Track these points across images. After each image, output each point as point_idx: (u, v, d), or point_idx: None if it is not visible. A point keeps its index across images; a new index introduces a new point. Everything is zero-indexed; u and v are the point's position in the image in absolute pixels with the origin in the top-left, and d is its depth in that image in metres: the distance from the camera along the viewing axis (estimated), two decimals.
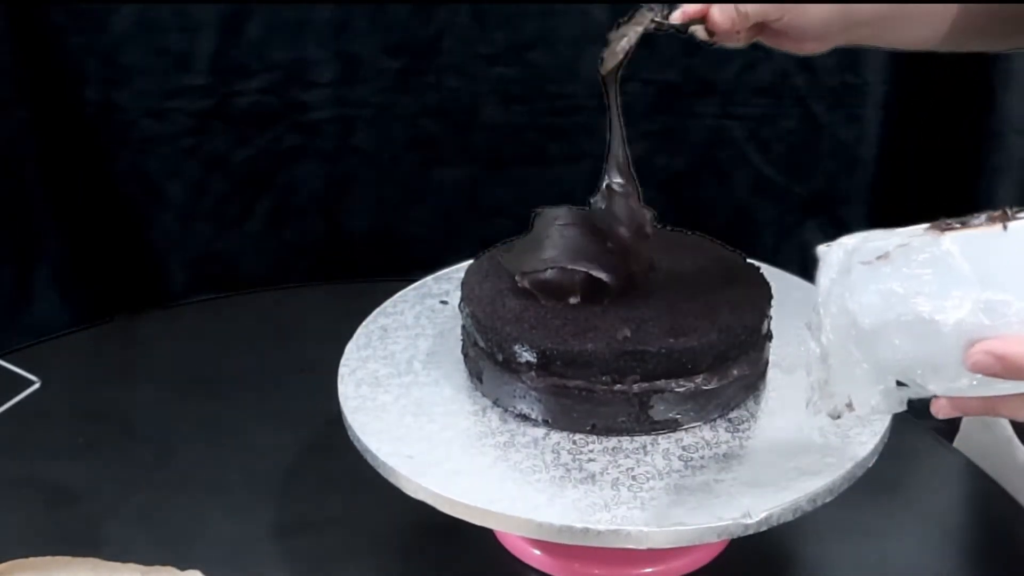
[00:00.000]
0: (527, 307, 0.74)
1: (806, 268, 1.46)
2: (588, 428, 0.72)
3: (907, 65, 1.29)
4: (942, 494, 0.86)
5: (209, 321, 1.13)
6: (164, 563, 0.77)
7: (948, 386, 0.56)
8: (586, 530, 0.65)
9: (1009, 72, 1.19)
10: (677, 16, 0.70)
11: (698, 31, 0.71)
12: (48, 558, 0.77)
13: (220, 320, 1.13)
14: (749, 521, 0.65)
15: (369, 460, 0.72)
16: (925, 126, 1.32)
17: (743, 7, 0.68)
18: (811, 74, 1.31)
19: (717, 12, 0.69)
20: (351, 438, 0.74)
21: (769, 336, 0.78)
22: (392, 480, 0.70)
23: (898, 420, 0.72)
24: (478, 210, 1.35)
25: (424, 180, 1.33)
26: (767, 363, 0.78)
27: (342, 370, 0.80)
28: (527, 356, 0.72)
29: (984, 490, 0.86)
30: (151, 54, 1.23)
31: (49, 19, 1.19)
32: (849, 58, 1.29)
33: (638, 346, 0.71)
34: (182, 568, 0.76)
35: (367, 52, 1.28)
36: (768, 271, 0.82)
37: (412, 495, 0.69)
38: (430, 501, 0.68)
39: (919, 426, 0.95)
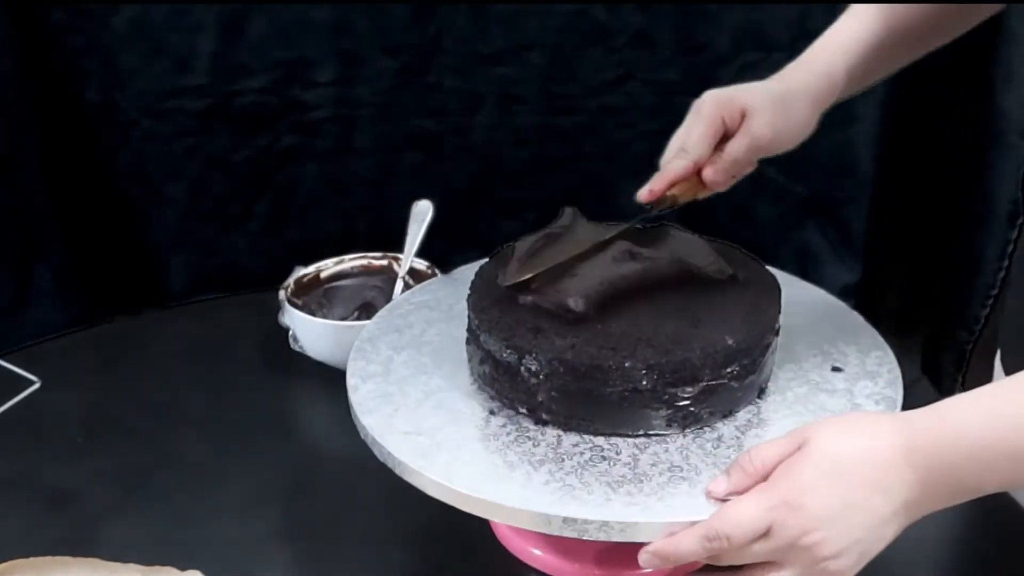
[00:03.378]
0: (535, 309, 0.75)
1: (806, 268, 1.47)
2: (592, 428, 0.72)
3: (907, 66, 1.29)
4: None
5: (209, 321, 1.13)
6: (164, 563, 0.77)
7: None
8: (587, 522, 0.65)
9: (1009, 72, 1.19)
10: (646, 194, 0.81)
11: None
12: (48, 558, 0.77)
13: (220, 320, 1.13)
14: None
15: (377, 453, 0.72)
16: (925, 126, 1.32)
17: (734, 157, 0.82)
18: None
19: (711, 172, 0.82)
20: (360, 433, 0.74)
21: (775, 337, 0.78)
22: (400, 473, 0.70)
23: None
24: (478, 210, 1.35)
25: (424, 180, 1.33)
26: (772, 365, 0.78)
27: (348, 368, 0.80)
28: (534, 356, 0.72)
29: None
30: (151, 54, 1.23)
31: (49, 19, 1.19)
32: None
33: (644, 350, 0.71)
34: (182, 568, 0.77)
35: (367, 52, 1.28)
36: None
37: (421, 488, 0.69)
38: (436, 494, 0.68)
39: None
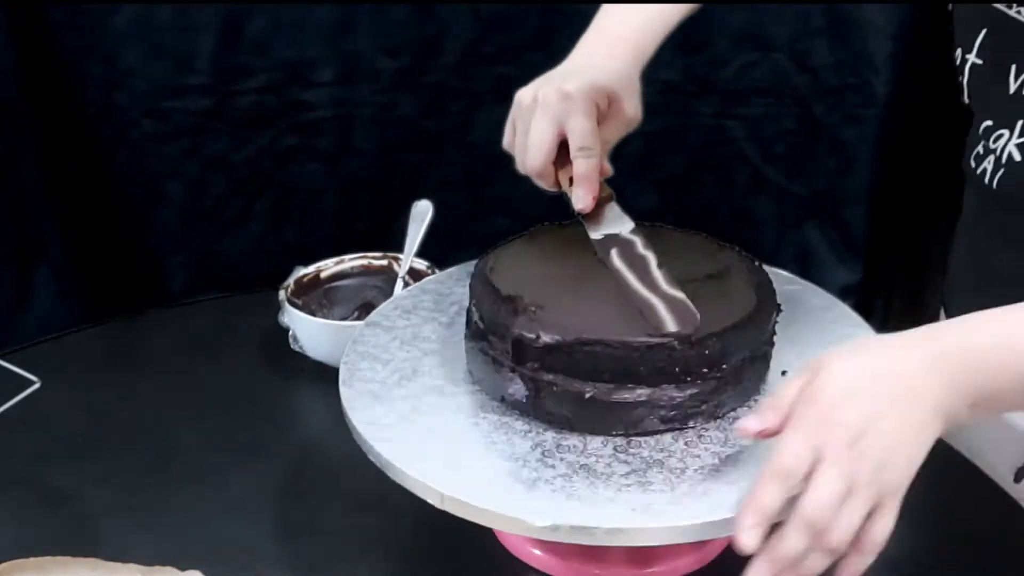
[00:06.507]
0: (536, 312, 0.75)
1: (806, 268, 1.46)
2: (591, 429, 0.72)
3: (907, 65, 1.29)
4: (940, 492, 0.86)
5: (209, 321, 1.13)
6: (164, 563, 0.77)
7: None
8: (586, 529, 0.65)
9: None
10: (590, 204, 0.81)
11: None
12: (48, 558, 0.77)
13: (220, 320, 1.13)
14: None
15: (373, 459, 0.72)
16: (925, 126, 1.32)
17: (608, 141, 0.85)
18: (811, 74, 1.31)
19: (605, 162, 0.84)
20: (354, 436, 0.74)
21: (771, 342, 0.78)
22: (396, 479, 0.70)
23: None
24: (478, 210, 1.35)
25: (424, 180, 1.33)
26: (768, 367, 0.78)
27: (343, 369, 0.80)
28: (535, 360, 0.72)
29: (980, 488, 0.86)
30: (151, 54, 1.23)
31: (49, 19, 1.19)
32: (849, 59, 1.29)
33: (643, 353, 0.71)
34: (182, 568, 0.77)
35: (367, 52, 1.28)
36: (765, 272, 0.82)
37: (418, 494, 0.69)
38: (432, 500, 0.68)
39: None
